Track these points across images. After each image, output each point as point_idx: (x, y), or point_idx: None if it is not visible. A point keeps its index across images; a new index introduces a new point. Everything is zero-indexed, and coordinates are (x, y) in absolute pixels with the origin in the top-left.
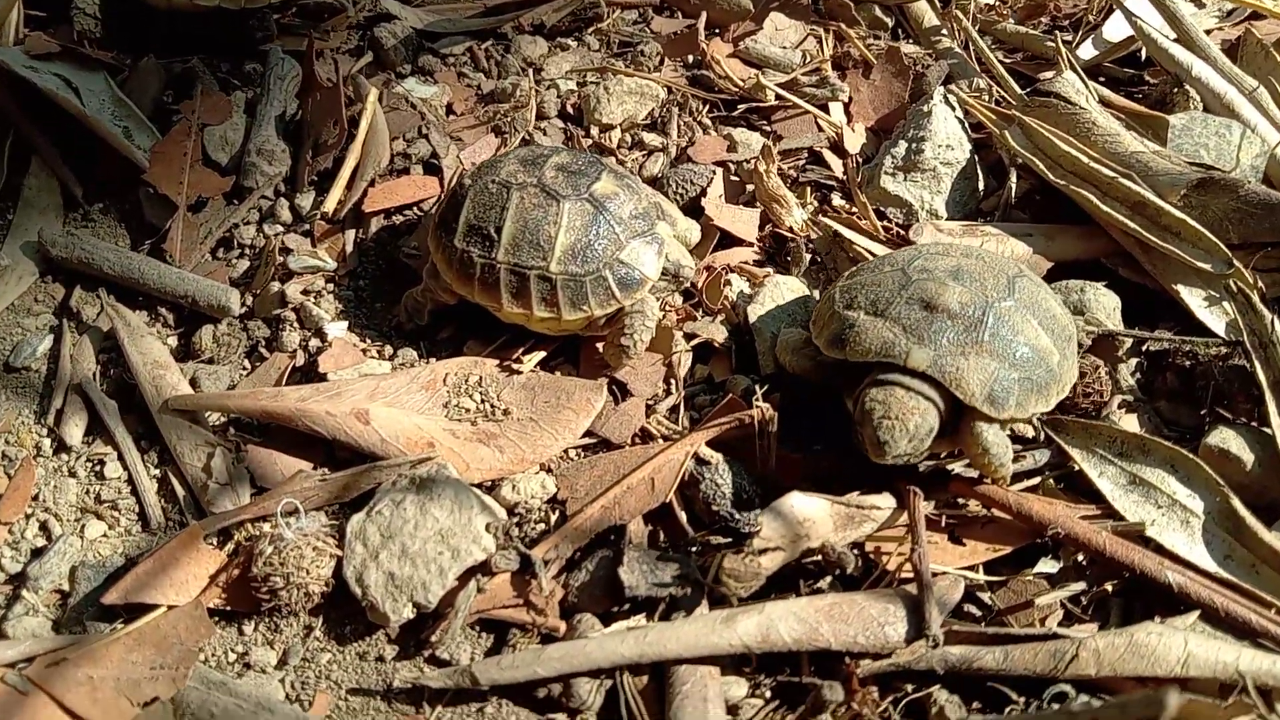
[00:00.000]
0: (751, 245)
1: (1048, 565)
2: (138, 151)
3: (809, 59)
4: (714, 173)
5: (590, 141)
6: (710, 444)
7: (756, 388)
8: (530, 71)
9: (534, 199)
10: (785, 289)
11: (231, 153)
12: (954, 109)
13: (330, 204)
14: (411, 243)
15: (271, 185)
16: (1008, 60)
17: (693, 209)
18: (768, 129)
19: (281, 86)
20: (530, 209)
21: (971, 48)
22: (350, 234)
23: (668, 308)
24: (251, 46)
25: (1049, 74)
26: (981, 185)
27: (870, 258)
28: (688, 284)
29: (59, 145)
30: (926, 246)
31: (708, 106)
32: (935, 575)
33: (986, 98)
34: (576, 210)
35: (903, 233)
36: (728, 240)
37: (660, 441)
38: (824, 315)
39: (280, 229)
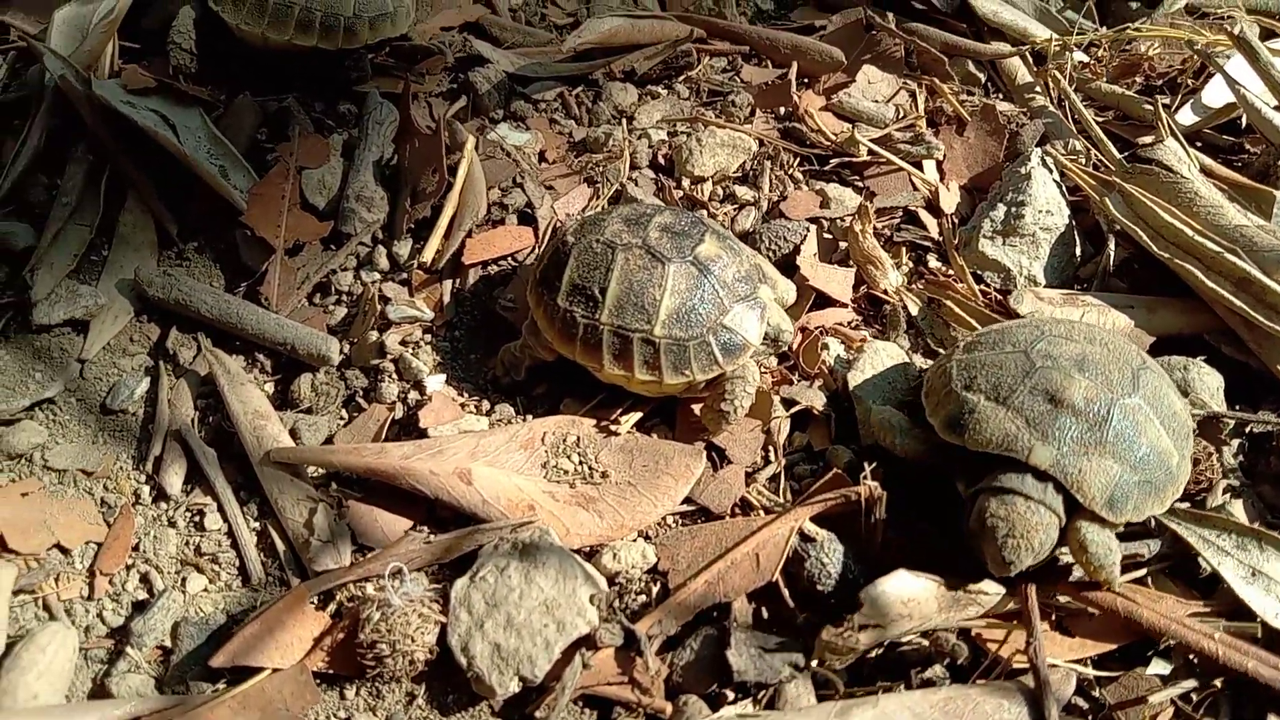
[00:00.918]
0: (846, 306)
1: (1159, 666)
2: (235, 192)
3: (902, 114)
4: (807, 230)
5: (681, 193)
6: (813, 518)
7: (866, 466)
8: (623, 121)
9: (639, 260)
10: (884, 355)
11: (329, 197)
12: (1051, 171)
13: (429, 254)
14: (507, 295)
15: (369, 232)
16: (1101, 118)
17: (785, 266)
18: (860, 184)
19: (379, 131)
20: (635, 271)
21: (1068, 107)
22: (447, 284)
23: (763, 369)
24: (346, 86)
25: (1147, 139)
26: (1079, 251)
27: (970, 324)
28: (786, 348)
29: (154, 181)
30: (1047, 325)
31: (798, 159)
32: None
33: (1083, 160)
34: (681, 273)
35: (1001, 298)
36: (822, 300)
37: (762, 513)
38: (938, 391)
39: (378, 276)
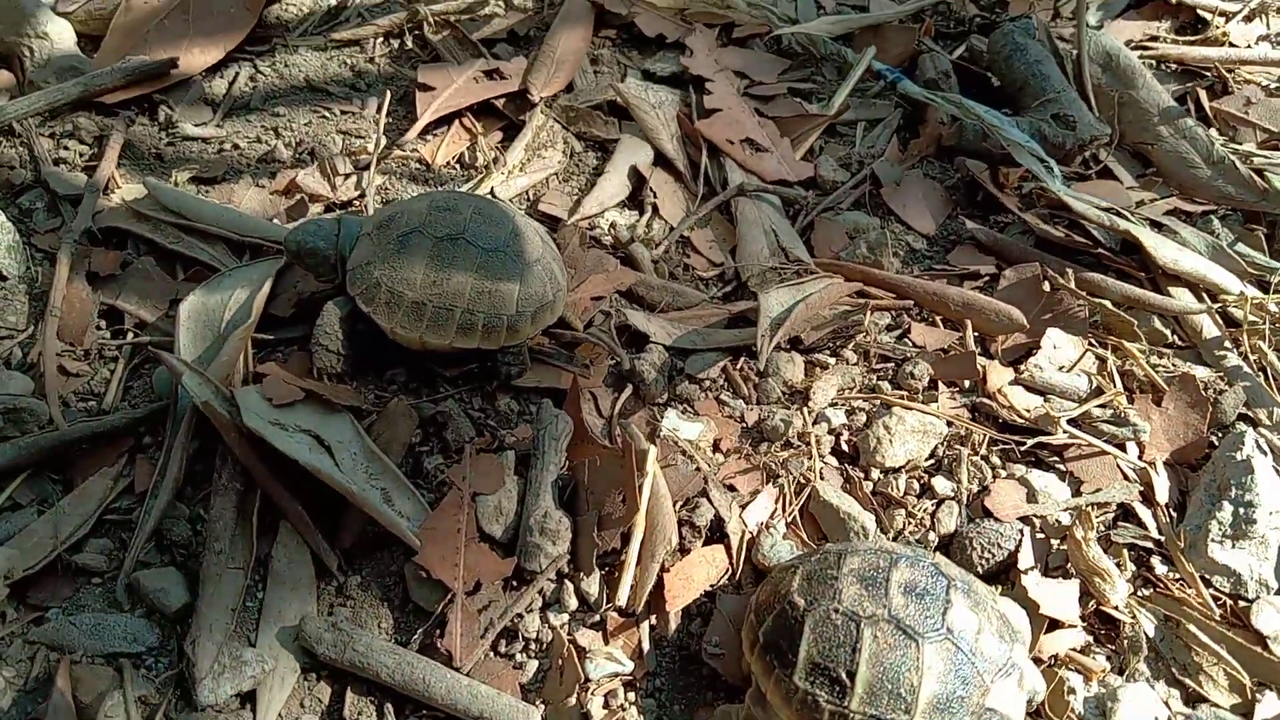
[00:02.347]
0: (1075, 627)
1: None
2: (403, 522)
3: (1094, 384)
4: (1020, 533)
5: (871, 486)
6: None
7: None
8: (798, 406)
9: (889, 639)
10: (1137, 704)
11: (505, 524)
12: (1267, 455)
13: (622, 596)
14: (712, 639)
15: (554, 567)
16: None
17: (997, 574)
18: (1062, 468)
19: (555, 447)
20: (886, 651)
21: (1269, 372)
22: (644, 626)
23: None
24: (505, 380)
25: None
26: None
27: (1213, 650)
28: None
29: (305, 502)
30: None
31: (986, 438)
32: None
33: None
34: (938, 653)
35: (1234, 607)
36: (1050, 623)
37: None
38: None
39: (566, 617)
